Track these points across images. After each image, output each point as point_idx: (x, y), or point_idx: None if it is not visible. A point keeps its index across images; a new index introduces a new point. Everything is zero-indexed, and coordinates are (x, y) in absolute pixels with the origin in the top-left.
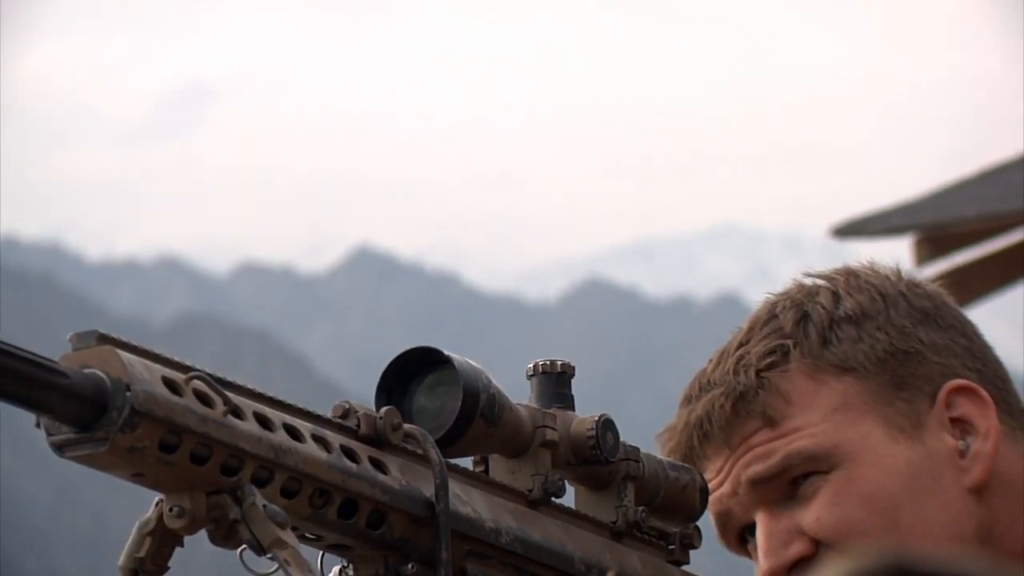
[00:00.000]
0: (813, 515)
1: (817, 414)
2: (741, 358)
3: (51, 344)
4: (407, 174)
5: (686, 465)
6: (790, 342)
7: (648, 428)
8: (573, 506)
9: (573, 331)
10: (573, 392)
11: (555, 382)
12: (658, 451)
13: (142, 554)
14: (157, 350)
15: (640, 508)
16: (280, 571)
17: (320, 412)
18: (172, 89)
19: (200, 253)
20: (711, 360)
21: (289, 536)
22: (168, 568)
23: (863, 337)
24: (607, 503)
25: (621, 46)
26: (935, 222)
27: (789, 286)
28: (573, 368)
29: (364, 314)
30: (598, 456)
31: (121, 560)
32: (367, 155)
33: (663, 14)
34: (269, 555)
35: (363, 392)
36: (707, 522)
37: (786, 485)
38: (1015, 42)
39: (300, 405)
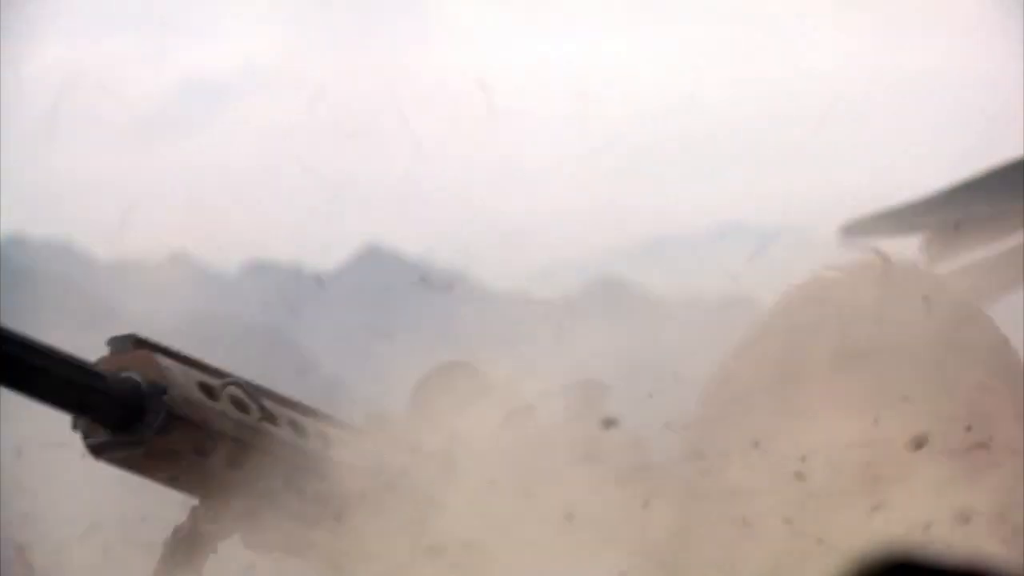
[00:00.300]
0: None
1: (839, 405)
2: (764, 351)
3: (62, 344)
4: (416, 172)
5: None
6: (813, 335)
7: (659, 429)
8: None
9: (583, 330)
10: None
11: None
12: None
13: (178, 559)
14: (192, 356)
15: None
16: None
17: (350, 422)
18: (178, 86)
19: (208, 252)
20: (733, 352)
21: (320, 538)
22: (203, 574)
23: (884, 331)
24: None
25: (627, 43)
26: (945, 220)
27: (807, 281)
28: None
29: (373, 313)
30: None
31: (157, 566)
32: (375, 153)
33: (670, 11)
34: (300, 557)
35: (372, 392)
36: None
37: None
38: (1016, 39)
39: (333, 415)
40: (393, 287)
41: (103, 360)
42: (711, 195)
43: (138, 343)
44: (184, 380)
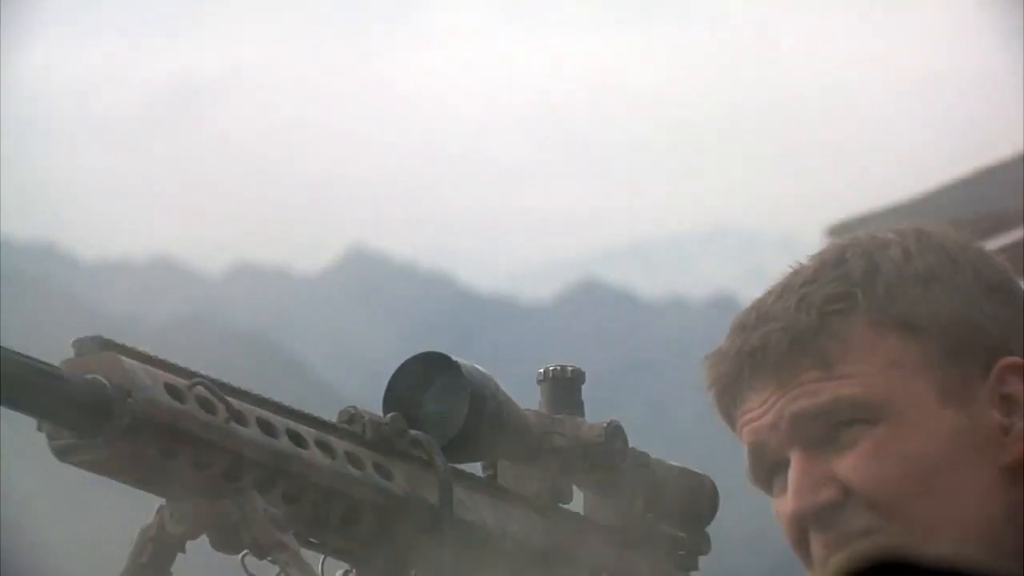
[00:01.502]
0: (851, 464)
1: (873, 365)
2: (804, 296)
3: (45, 346)
4: (400, 175)
5: (697, 472)
6: (857, 291)
7: (644, 430)
8: (582, 511)
9: (568, 332)
10: None
11: (565, 387)
12: (704, 374)
13: (144, 560)
14: (160, 356)
15: (649, 515)
16: (281, 575)
17: (325, 418)
18: (164, 90)
19: (194, 254)
20: (770, 292)
21: (290, 540)
22: (171, 574)
23: (928, 299)
24: (616, 509)
25: (614, 44)
26: (937, 219)
27: (859, 235)
28: (583, 374)
29: (358, 315)
30: (607, 463)
31: (124, 567)
32: (360, 156)
33: (658, 11)
34: (270, 559)
35: (358, 393)
36: (716, 528)
37: (828, 428)
38: (1015, 41)
39: (305, 411)
40: (379, 289)
41: (67, 362)
42: (696, 197)
43: (104, 344)
44: (150, 382)
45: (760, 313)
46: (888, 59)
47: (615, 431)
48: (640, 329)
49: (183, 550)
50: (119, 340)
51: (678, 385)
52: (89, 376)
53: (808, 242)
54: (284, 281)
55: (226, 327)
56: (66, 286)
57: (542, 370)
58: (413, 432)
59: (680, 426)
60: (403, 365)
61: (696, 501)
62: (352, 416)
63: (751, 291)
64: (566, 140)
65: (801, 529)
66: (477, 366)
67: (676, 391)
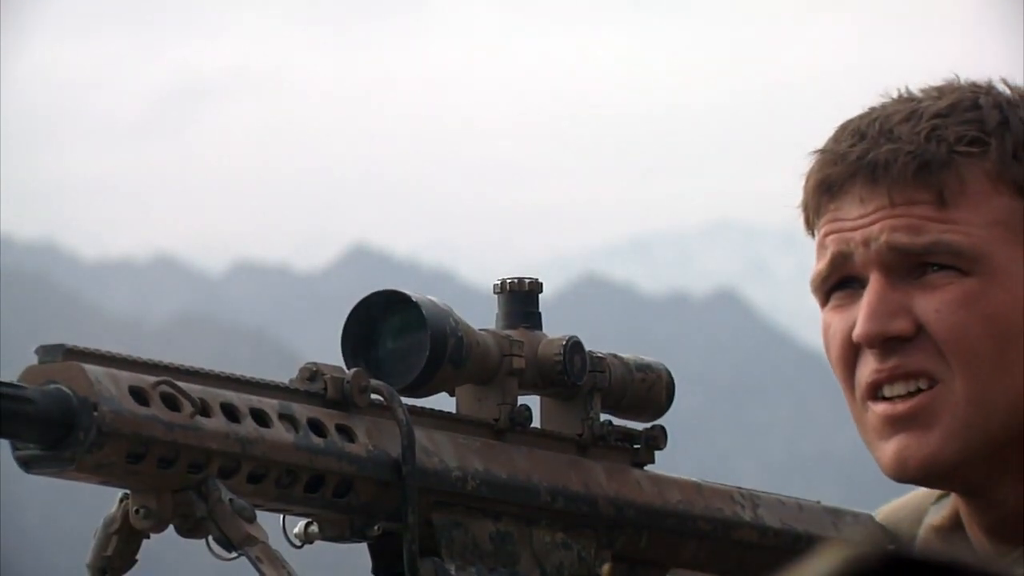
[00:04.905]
0: (933, 305)
1: (981, 217)
2: (936, 128)
3: (42, 343)
4: (402, 171)
5: (653, 364)
6: (992, 140)
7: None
8: (540, 413)
9: (570, 327)
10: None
11: (523, 301)
12: (811, 166)
13: (109, 552)
14: (124, 353)
15: (606, 420)
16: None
17: (288, 383)
18: (166, 88)
19: (195, 252)
20: (894, 109)
21: (258, 531)
22: (136, 561)
23: None
24: (573, 413)
25: (616, 41)
26: None
27: (982, 83)
28: (541, 285)
29: None
30: (565, 380)
31: (89, 559)
32: (361, 153)
33: (659, 9)
34: (240, 552)
35: None
36: (672, 420)
37: (919, 265)
38: (1016, 40)
39: (268, 380)
40: (381, 285)
41: (31, 369)
42: (697, 193)
43: (68, 353)
44: (115, 390)
45: (884, 128)
46: (890, 55)
47: (573, 347)
48: (642, 324)
49: (147, 537)
50: (118, 338)
51: (679, 380)
52: (53, 387)
53: (809, 239)
54: (286, 278)
55: (228, 324)
56: (68, 285)
57: (499, 281)
58: (374, 383)
59: (681, 421)
60: (360, 303)
61: (652, 392)
62: (313, 373)
63: (753, 286)
64: (567, 136)
65: (854, 348)
66: (434, 299)
67: (678, 386)
